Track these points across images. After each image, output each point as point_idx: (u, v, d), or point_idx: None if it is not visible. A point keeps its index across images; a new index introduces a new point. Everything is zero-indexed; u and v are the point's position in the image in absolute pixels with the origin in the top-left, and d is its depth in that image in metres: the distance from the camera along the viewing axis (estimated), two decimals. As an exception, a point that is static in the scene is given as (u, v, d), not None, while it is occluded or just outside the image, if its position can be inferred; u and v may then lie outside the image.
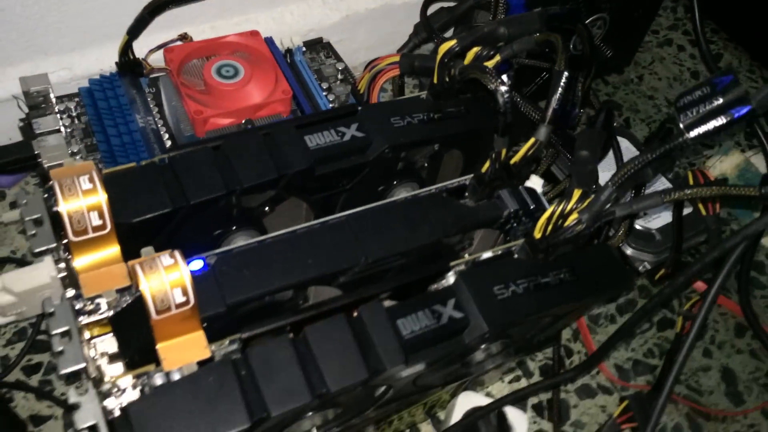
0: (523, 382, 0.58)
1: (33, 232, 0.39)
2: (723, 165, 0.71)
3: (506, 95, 0.39)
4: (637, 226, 0.62)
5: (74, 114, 0.55)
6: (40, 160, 0.48)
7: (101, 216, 0.36)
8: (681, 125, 0.34)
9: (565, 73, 0.40)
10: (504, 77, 0.41)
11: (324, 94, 0.59)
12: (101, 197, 0.36)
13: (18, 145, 0.51)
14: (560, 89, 0.40)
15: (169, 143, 0.53)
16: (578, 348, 0.61)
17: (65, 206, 0.35)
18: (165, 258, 0.34)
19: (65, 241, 0.40)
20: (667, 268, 0.56)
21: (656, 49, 0.86)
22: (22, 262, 0.60)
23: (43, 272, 0.43)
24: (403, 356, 0.36)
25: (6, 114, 0.61)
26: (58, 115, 0.51)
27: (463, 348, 0.39)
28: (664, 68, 0.84)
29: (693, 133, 0.34)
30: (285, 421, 0.36)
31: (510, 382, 0.58)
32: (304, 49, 0.63)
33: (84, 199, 0.35)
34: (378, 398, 0.41)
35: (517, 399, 0.50)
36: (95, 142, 0.52)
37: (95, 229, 0.36)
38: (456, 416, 0.51)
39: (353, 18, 0.73)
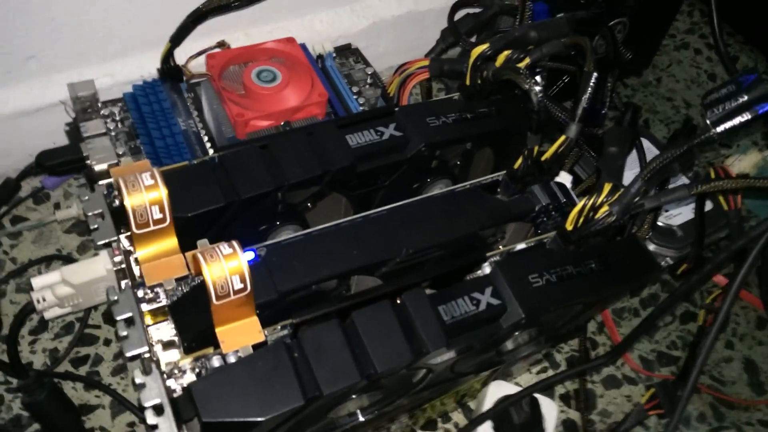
0: (550, 373, 0.60)
1: (95, 226, 0.42)
2: (742, 164, 0.72)
3: (540, 95, 0.41)
4: (659, 223, 0.64)
5: (118, 118, 0.57)
6: (88, 162, 0.51)
7: (162, 210, 0.38)
8: (708, 121, 0.36)
9: (595, 74, 0.42)
10: (537, 78, 0.43)
11: (354, 97, 0.61)
12: (162, 192, 0.38)
13: (66, 148, 0.54)
14: (590, 89, 0.42)
15: (209, 145, 0.55)
16: (603, 340, 0.63)
17: (130, 201, 0.38)
18: (224, 247, 0.36)
19: (124, 234, 0.43)
20: (688, 263, 0.57)
21: (674, 52, 0.89)
22: (68, 259, 0.62)
23: (100, 265, 0.45)
24: (445, 340, 0.38)
25: (51, 118, 0.64)
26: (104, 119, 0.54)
27: (500, 333, 0.41)
28: (681, 71, 0.87)
29: (720, 128, 0.36)
30: (335, 400, 0.38)
31: (537, 373, 0.60)
32: (334, 54, 0.65)
33: (147, 194, 0.38)
34: (418, 383, 0.43)
35: (547, 386, 0.52)
36: (139, 144, 0.55)
37: (156, 222, 0.39)
38: (487, 404, 0.53)
39: (380, 25, 0.75)
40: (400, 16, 0.76)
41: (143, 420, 0.54)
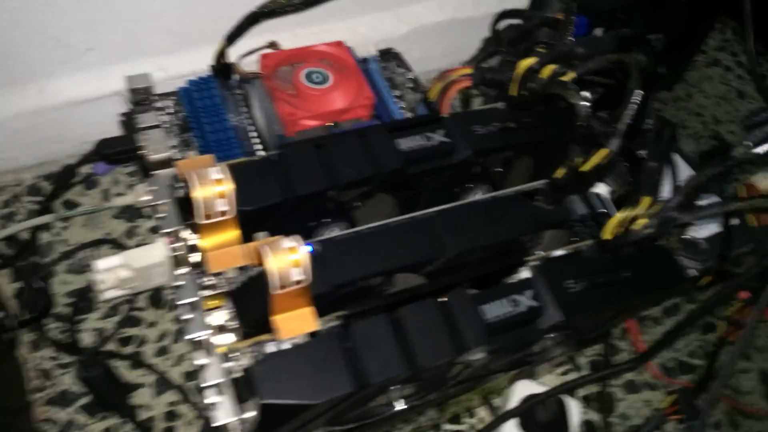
0: (572, 375, 0.63)
1: (162, 215, 0.44)
2: (766, 181, 0.74)
3: (587, 109, 0.43)
4: (685, 236, 0.66)
5: (171, 111, 0.60)
6: (143, 152, 0.54)
7: (228, 203, 0.41)
8: (749, 142, 0.38)
9: (640, 92, 0.44)
10: (585, 93, 0.45)
11: (396, 101, 0.63)
12: (230, 186, 0.41)
13: (125, 138, 0.57)
14: (634, 106, 0.44)
15: (257, 141, 0.58)
16: (625, 346, 0.65)
17: (199, 193, 0.40)
18: (287, 241, 0.39)
19: (187, 223, 0.45)
20: (712, 275, 0.59)
21: (704, 68, 0.90)
22: (116, 243, 0.65)
23: (159, 251, 0.48)
24: (486, 338, 0.41)
25: (105, 108, 0.67)
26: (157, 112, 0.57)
27: (537, 334, 0.43)
28: (711, 87, 0.88)
29: (760, 149, 0.38)
30: (380, 389, 0.41)
31: (561, 374, 0.63)
32: (378, 58, 0.68)
33: (215, 187, 0.40)
34: (453, 377, 0.46)
35: (573, 387, 0.54)
36: (191, 137, 0.57)
37: (222, 213, 0.41)
38: (513, 401, 0.55)
39: (420, 30, 0.78)
40: (440, 22, 0.78)
41: (185, 399, 0.57)
